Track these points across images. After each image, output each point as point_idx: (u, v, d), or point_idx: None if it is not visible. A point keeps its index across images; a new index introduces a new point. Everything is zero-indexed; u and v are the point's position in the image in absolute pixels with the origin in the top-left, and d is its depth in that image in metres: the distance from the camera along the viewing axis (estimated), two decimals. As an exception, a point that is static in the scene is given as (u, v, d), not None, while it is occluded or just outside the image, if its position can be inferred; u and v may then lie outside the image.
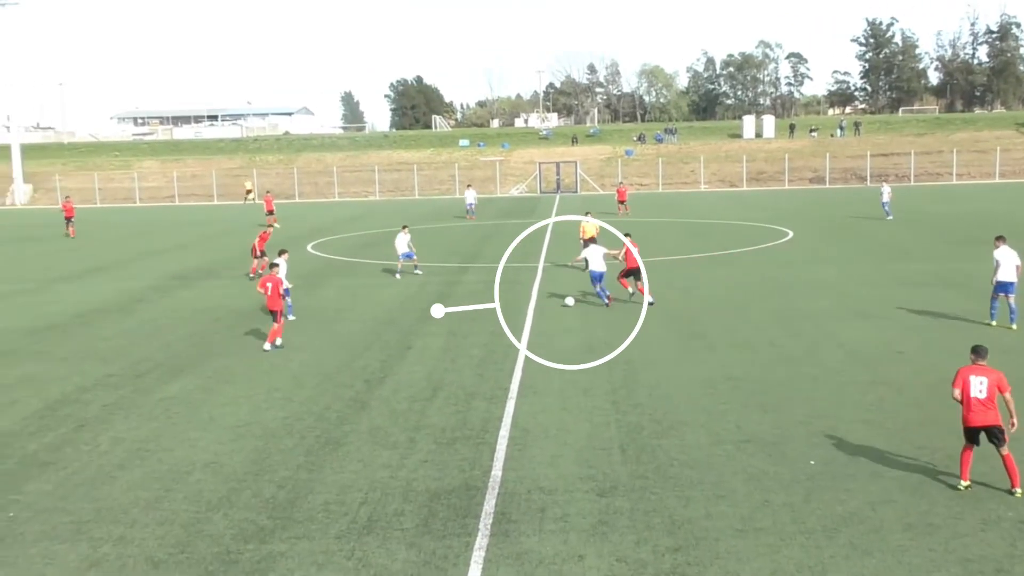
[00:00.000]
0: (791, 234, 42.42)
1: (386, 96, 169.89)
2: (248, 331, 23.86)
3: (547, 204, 68.61)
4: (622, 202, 57.62)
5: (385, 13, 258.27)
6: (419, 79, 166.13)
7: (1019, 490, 11.86)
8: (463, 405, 16.69)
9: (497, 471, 13.33)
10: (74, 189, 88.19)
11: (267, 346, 21.68)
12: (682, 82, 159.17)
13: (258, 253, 32.08)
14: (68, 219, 48.80)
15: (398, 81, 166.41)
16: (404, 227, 32.65)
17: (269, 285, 21.63)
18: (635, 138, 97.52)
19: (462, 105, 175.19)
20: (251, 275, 32.57)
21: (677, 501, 12.09)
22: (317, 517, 11.92)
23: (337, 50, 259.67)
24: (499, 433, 15.03)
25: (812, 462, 13.26)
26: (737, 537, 10.98)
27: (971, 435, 12.01)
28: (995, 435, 11.86)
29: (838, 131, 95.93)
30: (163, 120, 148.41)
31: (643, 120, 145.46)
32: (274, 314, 21.69)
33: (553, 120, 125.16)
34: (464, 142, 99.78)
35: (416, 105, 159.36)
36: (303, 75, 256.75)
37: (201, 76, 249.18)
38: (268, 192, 63.98)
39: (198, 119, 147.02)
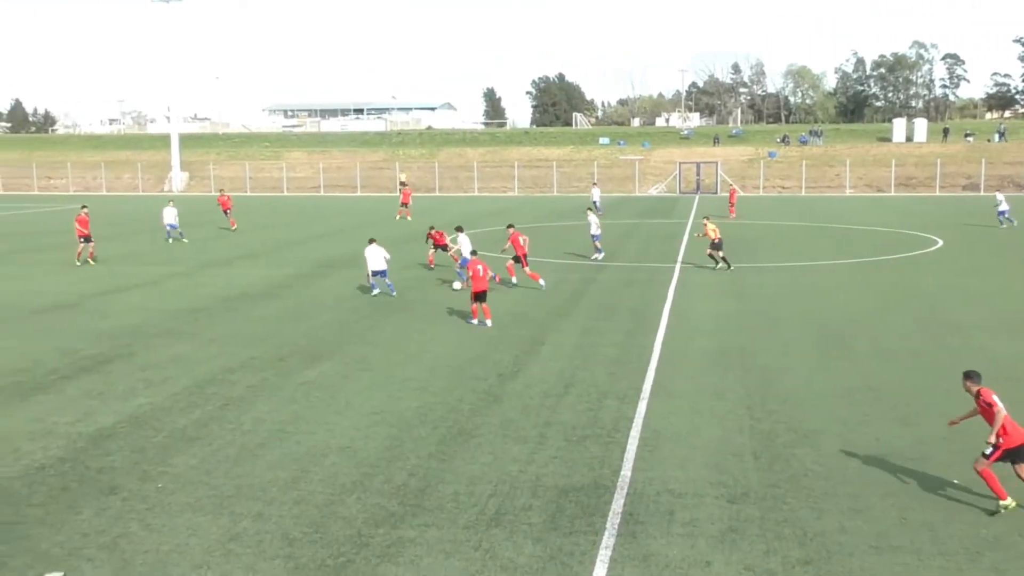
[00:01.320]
0: (940, 242, 40.78)
1: (527, 93, 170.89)
2: (387, 320, 24.38)
3: (686, 205, 67.81)
4: (732, 204, 56.82)
5: (529, 11, 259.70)
6: (561, 76, 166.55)
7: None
8: (595, 403, 16.67)
9: (626, 471, 13.27)
10: (226, 178, 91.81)
11: (488, 322, 23.19)
12: (830, 83, 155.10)
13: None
14: (226, 211, 50.22)
15: (540, 78, 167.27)
16: (459, 228, 32.12)
17: (479, 268, 23.13)
18: (779, 139, 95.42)
19: (603, 103, 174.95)
20: (431, 266, 33.77)
21: (810, 512, 11.80)
22: (446, 506, 12.10)
23: (481, 47, 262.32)
24: (630, 433, 14.96)
25: (956, 481, 12.73)
26: (872, 554, 10.65)
27: (1013, 455, 11.68)
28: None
29: (996, 136, 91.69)
30: (311, 113, 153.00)
31: (787, 121, 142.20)
32: (482, 295, 23.11)
33: (695, 120, 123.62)
34: (604, 140, 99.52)
35: (557, 102, 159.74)
36: (447, 71, 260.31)
37: (348, 71, 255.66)
38: (404, 184, 65.28)
39: (344, 112, 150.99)
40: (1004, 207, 47.40)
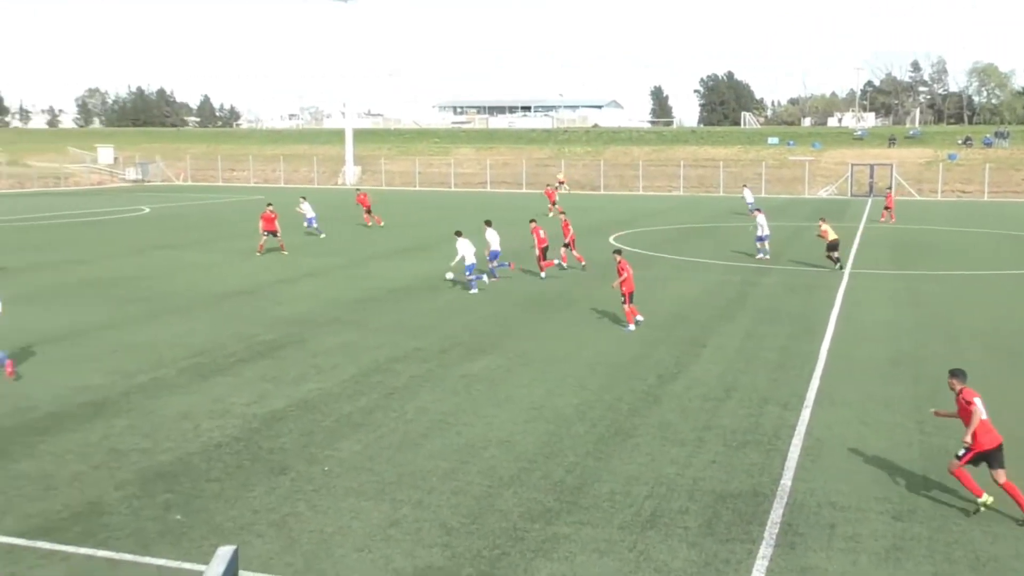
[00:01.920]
0: None
1: (695, 91, 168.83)
2: (548, 316, 24.56)
3: (857, 208, 65.52)
4: (888, 208, 54.44)
5: (699, 9, 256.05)
6: (730, 75, 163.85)
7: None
8: (756, 409, 16.35)
9: (787, 480, 12.98)
10: (396, 172, 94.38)
11: (631, 326, 22.95)
12: (1018, 81, 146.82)
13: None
14: (367, 210, 50.30)
15: (708, 76, 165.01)
16: (489, 223, 31.81)
17: (629, 269, 23.08)
18: (960, 141, 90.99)
19: (773, 102, 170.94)
20: (562, 264, 33.68)
21: (983, 536, 11.26)
22: (602, 505, 12.12)
23: (649, 45, 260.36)
24: (791, 441, 14.61)
25: None
26: (1051, 581, 10.08)
27: (985, 457, 11.80)
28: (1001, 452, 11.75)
29: None
30: (480, 110, 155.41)
31: (970, 122, 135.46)
32: (630, 295, 22.98)
33: (869, 120, 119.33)
34: (773, 140, 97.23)
35: (725, 101, 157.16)
36: (614, 69, 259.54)
37: (517, 69, 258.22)
38: (548, 186, 65.47)
39: (512, 110, 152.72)
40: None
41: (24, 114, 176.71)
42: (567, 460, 13.80)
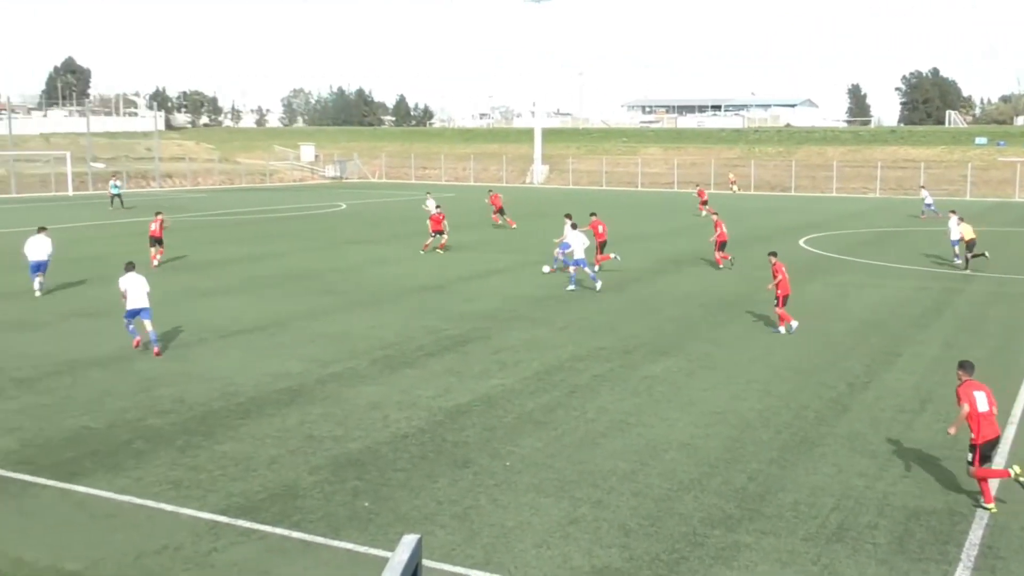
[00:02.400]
0: None
1: (896, 89, 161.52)
2: (733, 319, 24.12)
3: (1075, 213, 61.18)
4: None
5: (901, 4, 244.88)
6: (935, 71, 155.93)
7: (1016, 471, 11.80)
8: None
9: (986, 499, 12.28)
10: (583, 172, 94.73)
11: (781, 328, 22.47)
12: None
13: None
14: (500, 211, 49.45)
15: (911, 73, 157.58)
16: (568, 216, 32.30)
17: (784, 271, 22.68)
18: None
19: (982, 100, 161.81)
20: (720, 264, 33.42)
21: None
22: (785, 515, 11.82)
23: (846, 42, 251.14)
24: (993, 459, 13.81)
25: None
26: None
27: (989, 451, 12.11)
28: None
29: None
30: (669, 109, 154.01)
31: None
32: (784, 298, 22.47)
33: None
34: (980, 140, 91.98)
35: (929, 99, 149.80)
36: (809, 67, 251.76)
37: (708, 67, 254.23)
38: (697, 185, 64.17)
39: (702, 109, 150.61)
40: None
41: (235, 114, 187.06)
42: (750, 467, 13.52)
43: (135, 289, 20.00)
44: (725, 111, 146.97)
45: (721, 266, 33.15)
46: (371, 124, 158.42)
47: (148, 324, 19.92)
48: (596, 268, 31.16)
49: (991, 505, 11.94)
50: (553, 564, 10.51)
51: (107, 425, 15.19)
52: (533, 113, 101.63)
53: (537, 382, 18.07)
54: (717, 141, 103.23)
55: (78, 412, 15.85)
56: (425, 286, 29.42)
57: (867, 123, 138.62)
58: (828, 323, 23.71)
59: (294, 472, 13.19)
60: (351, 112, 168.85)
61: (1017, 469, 11.84)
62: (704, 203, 57.14)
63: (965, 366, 12.73)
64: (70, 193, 73.48)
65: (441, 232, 37.88)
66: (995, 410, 12.17)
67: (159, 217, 33.73)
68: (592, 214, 33.53)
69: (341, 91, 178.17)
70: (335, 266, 33.81)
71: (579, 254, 28.86)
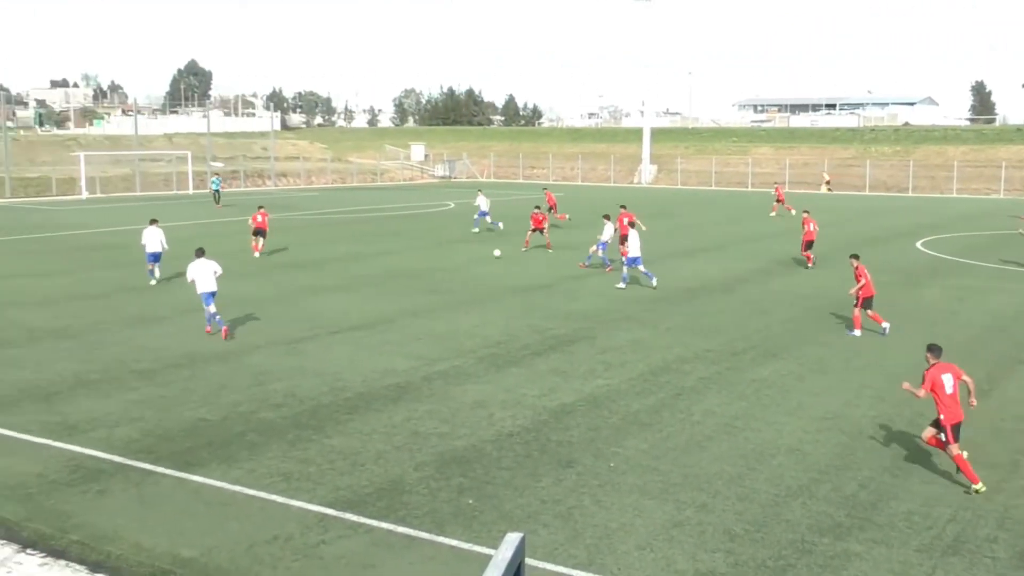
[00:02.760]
0: None
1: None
2: (845, 322, 23.52)
3: None
4: None
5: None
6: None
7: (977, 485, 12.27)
8: (1080, 434, 14.87)
9: (1115, 515, 11.72)
10: (692, 172, 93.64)
11: (856, 332, 22.03)
12: None
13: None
14: (550, 208, 49.22)
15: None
16: (607, 217, 33.27)
17: (867, 273, 22.01)
18: None
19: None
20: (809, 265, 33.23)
21: None
22: (898, 525, 11.48)
23: (970, 38, 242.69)
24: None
25: None
26: None
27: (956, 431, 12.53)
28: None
29: None
30: (781, 108, 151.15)
31: None
32: (868, 300, 21.98)
33: None
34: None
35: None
36: (930, 64, 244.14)
37: (822, 65, 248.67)
38: (777, 183, 62.70)
39: (815, 107, 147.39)
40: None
41: (348, 114, 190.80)
42: (861, 474, 13.17)
43: (203, 275, 21.36)
44: (840, 110, 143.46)
45: (811, 265, 32.95)
46: (480, 124, 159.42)
47: (212, 307, 21.31)
48: (624, 261, 31.64)
49: (978, 485, 12.34)
50: (656, 567, 10.43)
51: (222, 417, 15.66)
52: (642, 112, 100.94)
53: (643, 383, 17.95)
54: (831, 140, 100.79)
55: (195, 404, 16.38)
56: (531, 285, 29.49)
57: (991, 121, 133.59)
58: (947, 328, 22.92)
59: (400, 468, 13.38)
60: (461, 112, 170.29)
61: (982, 489, 12.31)
62: (780, 201, 56.21)
63: (933, 349, 13.24)
64: (190, 192, 75.92)
65: (541, 230, 38.10)
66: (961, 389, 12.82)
67: (262, 211, 36.55)
68: (622, 206, 34.63)
69: (451, 91, 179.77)
70: (442, 264, 34.17)
71: (634, 252, 28.70)
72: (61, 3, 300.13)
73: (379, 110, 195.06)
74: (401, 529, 11.35)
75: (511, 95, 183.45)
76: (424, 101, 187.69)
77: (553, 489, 12.62)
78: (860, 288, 21.94)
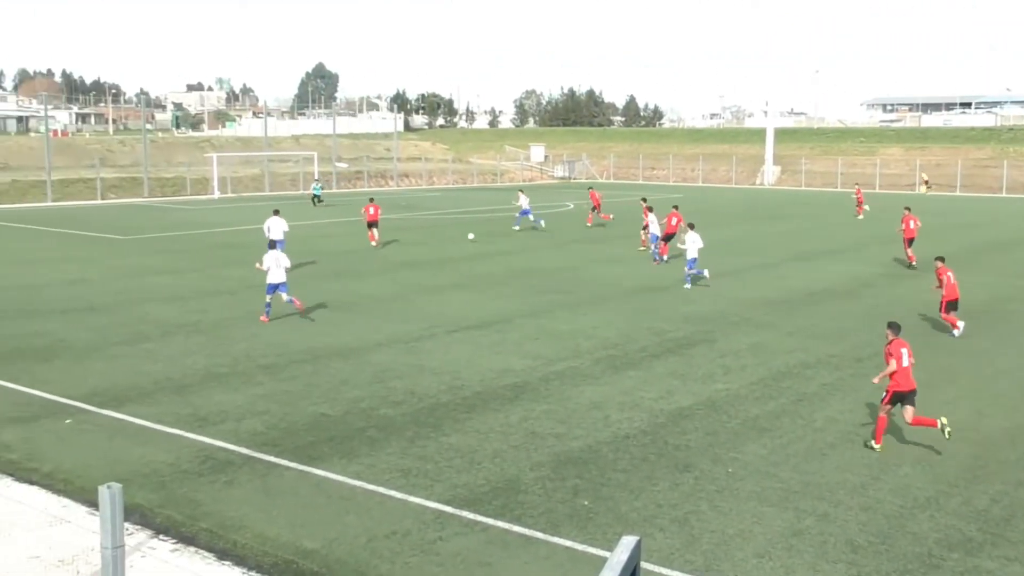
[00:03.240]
0: None
1: None
2: (979, 330, 22.63)
3: None
4: None
5: None
6: None
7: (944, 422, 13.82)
8: None
9: None
10: (817, 173, 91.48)
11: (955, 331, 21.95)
12: None
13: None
14: (596, 208, 49.43)
15: None
16: (650, 208, 35.61)
17: (950, 275, 22.16)
18: None
19: None
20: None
21: None
22: (1033, 541, 11.00)
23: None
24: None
25: None
26: None
27: (900, 398, 14.17)
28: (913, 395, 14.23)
29: None
30: (912, 107, 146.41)
31: None
32: (954, 303, 22.31)
33: None
34: None
35: None
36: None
37: (956, 62, 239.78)
38: (857, 184, 60.04)
39: (949, 106, 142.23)
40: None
41: (469, 115, 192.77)
42: (993, 488, 12.66)
43: (277, 265, 23.41)
44: (976, 108, 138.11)
45: (913, 263, 32.99)
46: (600, 124, 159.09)
47: (284, 296, 23.46)
48: (664, 257, 34.37)
49: (879, 446, 14.06)
50: (775, 576, 10.23)
51: (343, 413, 16.01)
52: (766, 113, 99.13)
53: (763, 388, 17.63)
54: (965, 140, 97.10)
55: (318, 399, 16.79)
56: (648, 287, 29.28)
57: None
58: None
59: (516, 467, 13.45)
60: (581, 113, 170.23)
61: (944, 420, 13.82)
62: (860, 204, 55.06)
63: (892, 326, 14.75)
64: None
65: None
66: (912, 361, 14.33)
67: (373, 203, 39.23)
68: (674, 207, 36.41)
69: (572, 92, 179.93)
70: (559, 265, 34.20)
71: (692, 254, 29.14)
72: (197, 9, 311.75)
73: (500, 111, 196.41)
74: (517, 528, 11.40)
75: (632, 95, 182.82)
76: (544, 102, 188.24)
77: (670, 493, 12.51)
78: (943, 289, 22.32)
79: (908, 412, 14.09)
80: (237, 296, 27.32)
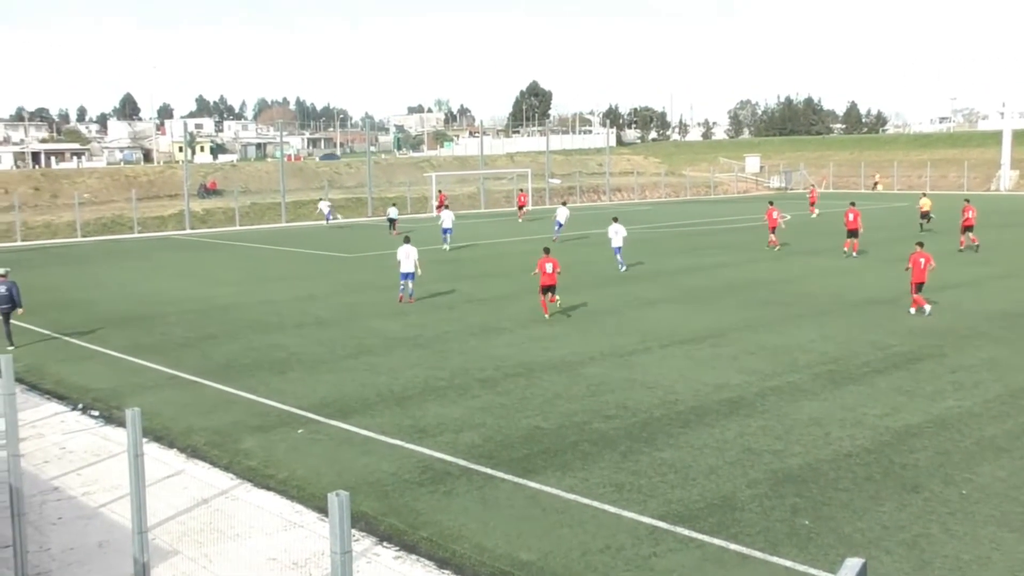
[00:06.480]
0: None
1: None
2: None
3: None
4: None
5: None
6: None
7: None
8: None
9: None
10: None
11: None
12: None
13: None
14: (812, 204, 49.95)
15: None
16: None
17: None
18: None
19: None
20: None
21: None
22: None
23: None
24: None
25: None
26: None
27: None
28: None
29: None
30: None
31: None
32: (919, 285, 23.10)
33: None
34: None
35: None
36: None
37: None
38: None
39: None
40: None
41: (682, 128, 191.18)
42: None
43: (407, 258, 28.96)
44: None
45: (962, 247, 37.14)
46: (819, 133, 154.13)
47: (411, 284, 29.33)
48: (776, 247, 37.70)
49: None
50: (1015, 607, 9.55)
51: (557, 426, 16.15)
52: (1002, 114, 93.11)
53: (1000, 405, 16.53)
54: None
55: (532, 412, 17.02)
56: (872, 298, 28.07)
57: None
58: None
59: (732, 484, 13.17)
60: (798, 122, 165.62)
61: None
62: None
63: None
64: (529, 207, 79.15)
65: (855, 233, 38.36)
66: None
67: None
68: (770, 202, 40.51)
69: (788, 100, 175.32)
70: (776, 276, 33.30)
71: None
72: (418, 34, 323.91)
73: (714, 123, 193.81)
74: (733, 546, 11.16)
75: (852, 102, 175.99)
76: (760, 112, 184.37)
77: (897, 514, 11.91)
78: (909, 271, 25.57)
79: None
80: (455, 310, 28.11)
